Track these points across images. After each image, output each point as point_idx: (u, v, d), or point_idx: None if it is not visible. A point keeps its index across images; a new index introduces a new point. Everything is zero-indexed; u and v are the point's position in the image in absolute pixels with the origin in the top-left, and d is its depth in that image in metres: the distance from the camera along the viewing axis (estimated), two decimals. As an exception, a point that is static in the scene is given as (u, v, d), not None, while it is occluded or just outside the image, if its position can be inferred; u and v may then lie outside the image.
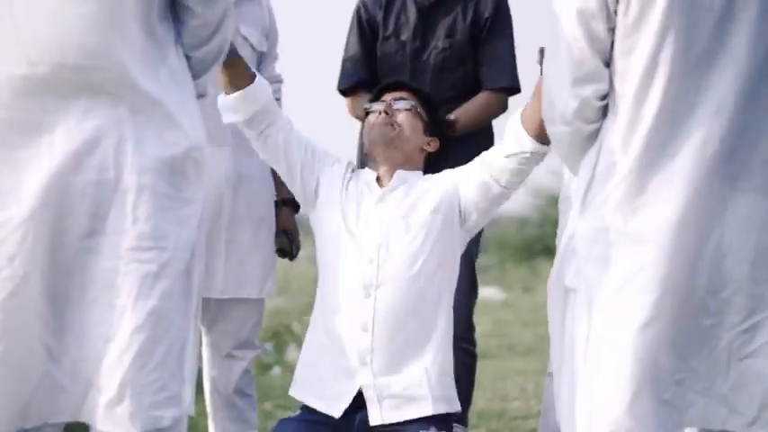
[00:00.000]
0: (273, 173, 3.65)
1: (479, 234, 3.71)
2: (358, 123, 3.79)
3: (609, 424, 2.11)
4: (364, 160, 3.51)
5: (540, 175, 20.27)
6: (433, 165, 3.14)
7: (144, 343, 1.99)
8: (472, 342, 3.79)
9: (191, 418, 4.56)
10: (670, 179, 2.09)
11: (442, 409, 2.90)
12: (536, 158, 2.86)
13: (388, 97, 3.18)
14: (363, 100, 3.65)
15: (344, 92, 3.82)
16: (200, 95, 2.24)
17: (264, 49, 3.67)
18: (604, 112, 2.20)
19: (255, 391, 3.79)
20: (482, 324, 8.69)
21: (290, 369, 6.11)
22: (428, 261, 2.91)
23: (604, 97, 2.18)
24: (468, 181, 2.99)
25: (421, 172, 3.12)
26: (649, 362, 2.10)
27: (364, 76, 3.77)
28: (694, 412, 2.16)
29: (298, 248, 3.74)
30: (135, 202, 2.00)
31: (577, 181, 2.27)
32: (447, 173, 3.05)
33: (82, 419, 2.03)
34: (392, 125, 3.09)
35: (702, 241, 2.09)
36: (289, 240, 3.69)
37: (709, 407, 2.16)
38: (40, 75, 1.97)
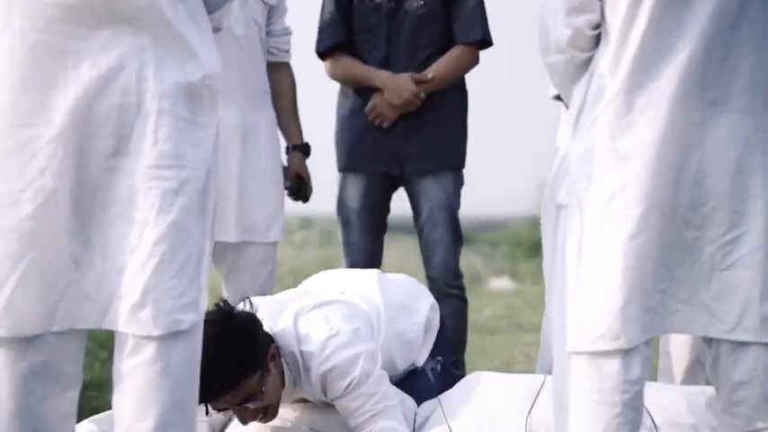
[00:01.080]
0: (280, 125, 3.80)
1: (460, 186, 3.86)
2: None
3: (600, 329, 2.22)
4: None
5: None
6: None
7: (165, 253, 2.13)
8: (462, 288, 3.93)
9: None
10: (655, 101, 2.20)
11: None
12: None
13: (226, 406, 2.86)
14: (341, 62, 3.86)
15: (322, 54, 3.93)
16: (217, 29, 2.34)
17: (274, 2, 3.78)
18: (597, 41, 2.30)
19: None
20: (493, 308, 8.81)
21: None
22: None
23: (597, 27, 2.28)
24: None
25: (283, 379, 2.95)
26: (638, 271, 2.21)
27: (341, 38, 3.88)
28: (678, 319, 2.27)
29: (311, 191, 3.90)
30: (156, 125, 2.13)
31: (570, 107, 2.38)
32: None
33: (105, 327, 2.17)
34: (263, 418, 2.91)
35: (684, 161, 2.21)
36: (302, 184, 3.87)
37: (692, 315, 2.26)
38: (71, 2, 2.10)
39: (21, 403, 2.15)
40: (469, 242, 8.60)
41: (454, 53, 3.84)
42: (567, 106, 2.46)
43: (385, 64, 3.83)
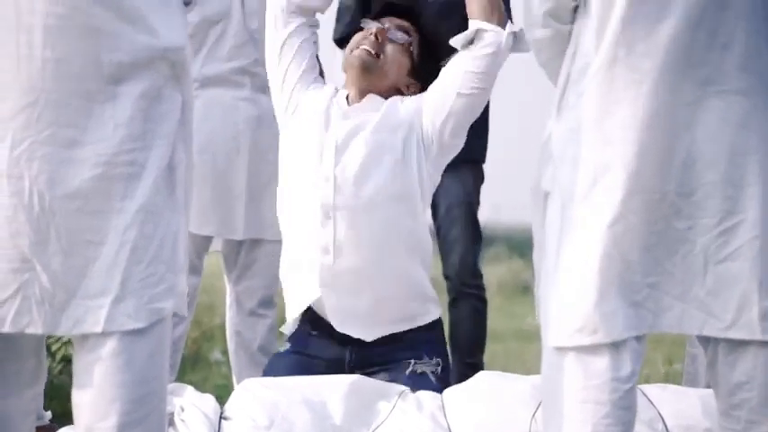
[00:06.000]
0: None
1: (480, 182, 3.72)
2: None
3: (578, 320, 2.11)
4: None
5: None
6: None
7: (136, 240, 2.04)
8: (480, 287, 3.77)
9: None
10: (639, 78, 2.09)
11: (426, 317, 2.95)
12: (493, 47, 2.91)
13: (388, 22, 3.08)
14: None
15: (340, 42, 3.74)
16: (187, 2, 2.24)
17: None
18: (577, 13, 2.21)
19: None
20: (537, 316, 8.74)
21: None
22: (382, 188, 2.87)
23: None
24: (429, 99, 2.94)
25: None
26: (619, 261, 2.10)
27: (358, 25, 3.71)
28: (670, 317, 2.14)
29: None
30: (114, 109, 2.03)
31: (557, 86, 2.28)
32: (413, 97, 3.00)
33: (60, 332, 2.07)
34: (376, 54, 3.00)
35: (672, 145, 2.09)
36: None
37: (686, 312, 2.13)
38: None
39: None
40: (524, 254, 8.44)
41: None
42: (554, 83, 2.34)
43: None
